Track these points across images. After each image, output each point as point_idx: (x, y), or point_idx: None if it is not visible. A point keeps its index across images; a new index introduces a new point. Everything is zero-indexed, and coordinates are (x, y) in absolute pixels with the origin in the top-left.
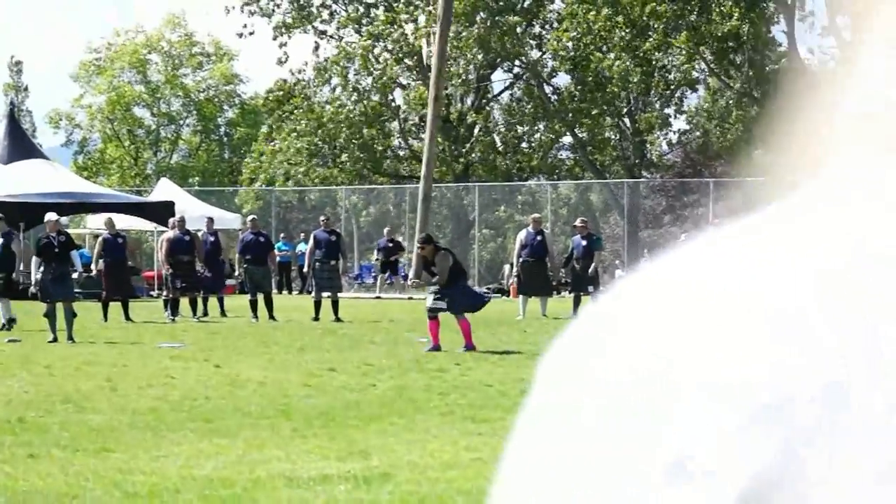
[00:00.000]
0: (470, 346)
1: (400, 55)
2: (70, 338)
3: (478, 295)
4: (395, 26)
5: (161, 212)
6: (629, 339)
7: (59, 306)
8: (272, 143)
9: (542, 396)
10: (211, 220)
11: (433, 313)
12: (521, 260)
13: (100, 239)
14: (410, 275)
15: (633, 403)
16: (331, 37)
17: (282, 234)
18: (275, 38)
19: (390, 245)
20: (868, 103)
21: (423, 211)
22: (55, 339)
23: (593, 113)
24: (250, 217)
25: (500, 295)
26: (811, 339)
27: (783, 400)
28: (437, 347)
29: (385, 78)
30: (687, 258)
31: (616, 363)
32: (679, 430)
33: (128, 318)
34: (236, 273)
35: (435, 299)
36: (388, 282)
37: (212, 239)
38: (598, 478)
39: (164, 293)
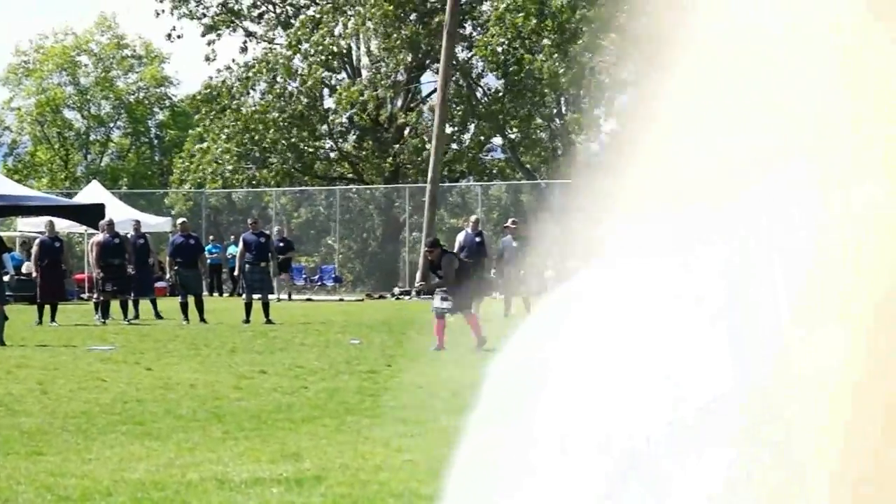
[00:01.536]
0: (482, 341)
1: (326, 56)
2: (1, 341)
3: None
4: (322, 28)
5: (91, 214)
6: (575, 339)
7: None
8: (201, 144)
9: (491, 396)
10: (138, 222)
11: (440, 314)
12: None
13: (37, 241)
14: (417, 278)
15: (579, 402)
16: (260, 38)
17: (211, 237)
18: (203, 35)
19: (282, 244)
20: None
21: (430, 214)
22: (1, 342)
23: (523, 114)
24: (180, 220)
25: (429, 297)
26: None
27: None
28: (440, 347)
29: (310, 83)
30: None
31: (562, 363)
32: (621, 429)
33: (53, 319)
34: (167, 276)
35: (441, 299)
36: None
37: (141, 241)
38: (546, 473)
39: (95, 296)
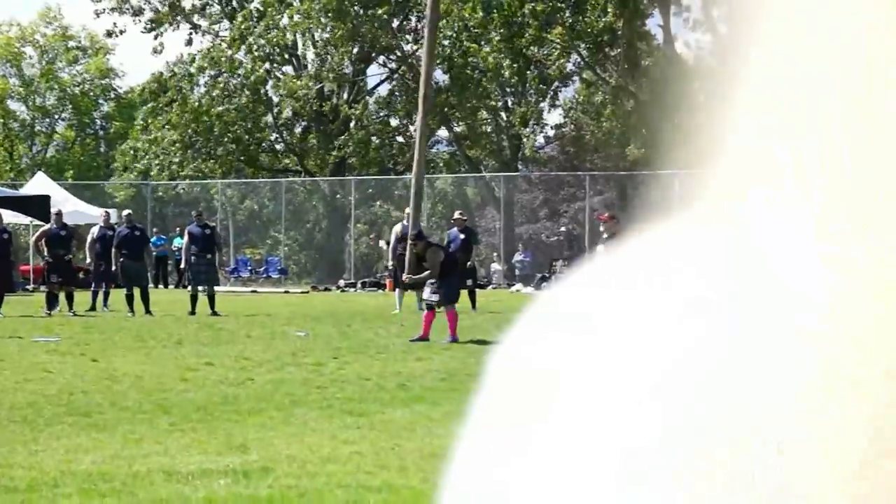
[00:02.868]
0: (454, 338)
1: (270, 49)
2: None
3: (458, 291)
4: (266, 20)
5: (37, 206)
6: (576, 331)
7: None
8: (146, 135)
9: (493, 390)
10: (108, 213)
11: (429, 305)
12: (398, 254)
13: None
14: (405, 271)
15: (580, 396)
16: (205, 31)
17: (155, 229)
18: (147, 32)
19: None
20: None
21: (415, 206)
22: None
23: (468, 107)
24: (126, 211)
25: (375, 289)
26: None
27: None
28: (425, 338)
29: (253, 78)
30: (626, 253)
31: (564, 355)
32: (622, 423)
33: None
34: (113, 268)
35: (431, 292)
36: None
37: (110, 233)
38: (549, 468)
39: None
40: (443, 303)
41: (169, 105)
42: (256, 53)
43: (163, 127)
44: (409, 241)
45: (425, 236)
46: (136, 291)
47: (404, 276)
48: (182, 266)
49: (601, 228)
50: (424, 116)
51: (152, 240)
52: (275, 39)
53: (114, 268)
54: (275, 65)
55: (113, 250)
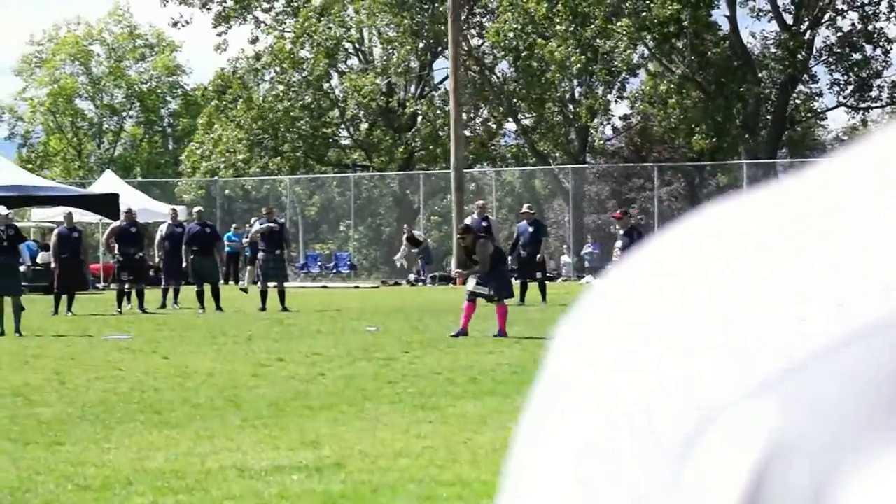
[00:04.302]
0: (502, 333)
1: (333, 45)
2: (17, 331)
3: (509, 285)
4: (332, 14)
5: (106, 204)
6: (639, 313)
7: (6, 300)
8: (211, 133)
9: (555, 373)
10: (176, 211)
11: (472, 297)
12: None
13: (55, 232)
14: (453, 265)
15: (646, 377)
16: (270, 26)
17: (234, 226)
18: (214, 27)
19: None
20: None
21: (458, 200)
22: (2, 333)
23: (535, 99)
24: (196, 208)
25: (445, 283)
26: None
27: (795, 365)
28: (464, 332)
29: (315, 75)
30: (685, 235)
31: (628, 337)
32: (694, 400)
33: (69, 309)
34: (184, 265)
35: (478, 284)
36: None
37: (179, 230)
38: (620, 452)
39: (116, 286)
40: (495, 297)
41: (233, 102)
42: (319, 49)
43: (228, 125)
44: (458, 236)
45: (473, 229)
46: (206, 288)
47: (454, 271)
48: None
49: (617, 226)
50: (458, 108)
51: (227, 235)
52: (338, 35)
53: (184, 264)
54: (339, 61)
55: (183, 247)
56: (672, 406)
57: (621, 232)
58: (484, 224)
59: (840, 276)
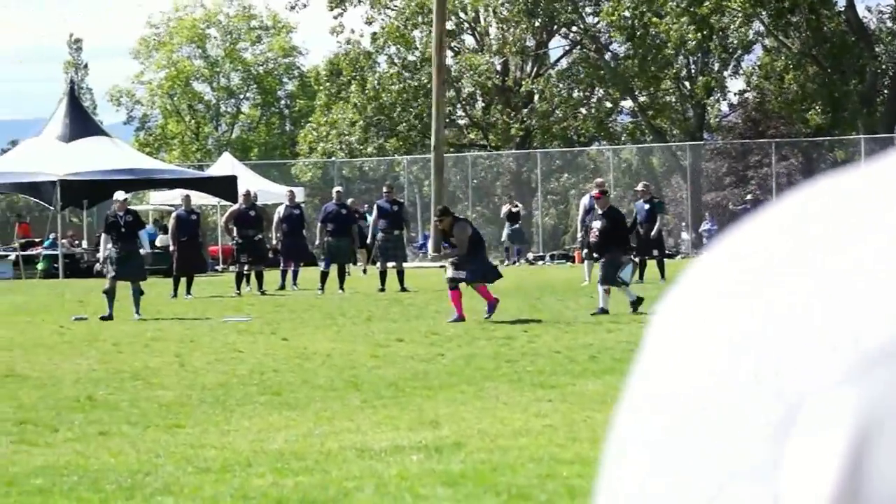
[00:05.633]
0: (492, 303)
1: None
2: (137, 314)
3: (494, 268)
4: None
5: (223, 186)
6: (737, 293)
7: (123, 284)
8: (328, 115)
9: (655, 353)
10: (293, 192)
11: (454, 283)
12: (584, 225)
13: (174, 215)
14: (430, 248)
15: (742, 358)
16: (385, 7)
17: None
18: (330, 10)
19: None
20: None
21: (437, 183)
22: (110, 317)
23: (650, 77)
24: (336, 188)
25: (564, 261)
26: None
27: (888, 343)
28: (461, 318)
29: (426, 54)
30: (786, 215)
31: (725, 317)
32: (789, 381)
33: (189, 292)
34: (316, 243)
35: (455, 269)
36: None
37: (296, 212)
38: (710, 432)
39: (237, 268)
40: (470, 280)
41: (347, 85)
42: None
43: (344, 107)
44: (435, 218)
45: (451, 212)
46: (333, 269)
47: (430, 254)
48: (368, 240)
49: (595, 206)
50: (440, 89)
51: None
52: (452, 14)
53: (317, 241)
54: (453, 40)
55: (318, 224)
56: (765, 391)
57: (599, 212)
58: (647, 207)
59: None
